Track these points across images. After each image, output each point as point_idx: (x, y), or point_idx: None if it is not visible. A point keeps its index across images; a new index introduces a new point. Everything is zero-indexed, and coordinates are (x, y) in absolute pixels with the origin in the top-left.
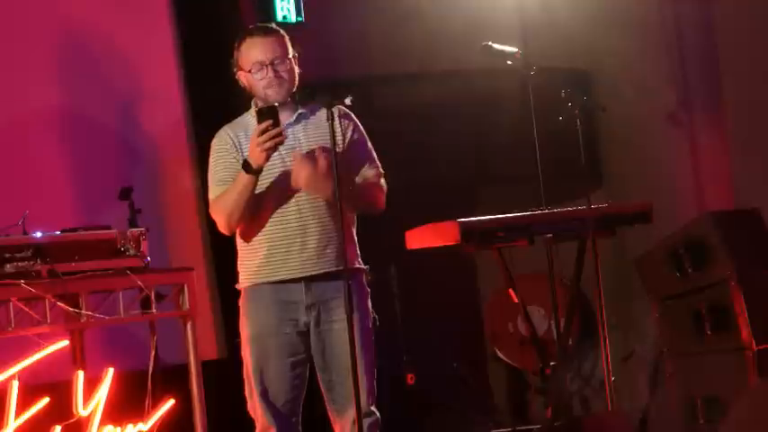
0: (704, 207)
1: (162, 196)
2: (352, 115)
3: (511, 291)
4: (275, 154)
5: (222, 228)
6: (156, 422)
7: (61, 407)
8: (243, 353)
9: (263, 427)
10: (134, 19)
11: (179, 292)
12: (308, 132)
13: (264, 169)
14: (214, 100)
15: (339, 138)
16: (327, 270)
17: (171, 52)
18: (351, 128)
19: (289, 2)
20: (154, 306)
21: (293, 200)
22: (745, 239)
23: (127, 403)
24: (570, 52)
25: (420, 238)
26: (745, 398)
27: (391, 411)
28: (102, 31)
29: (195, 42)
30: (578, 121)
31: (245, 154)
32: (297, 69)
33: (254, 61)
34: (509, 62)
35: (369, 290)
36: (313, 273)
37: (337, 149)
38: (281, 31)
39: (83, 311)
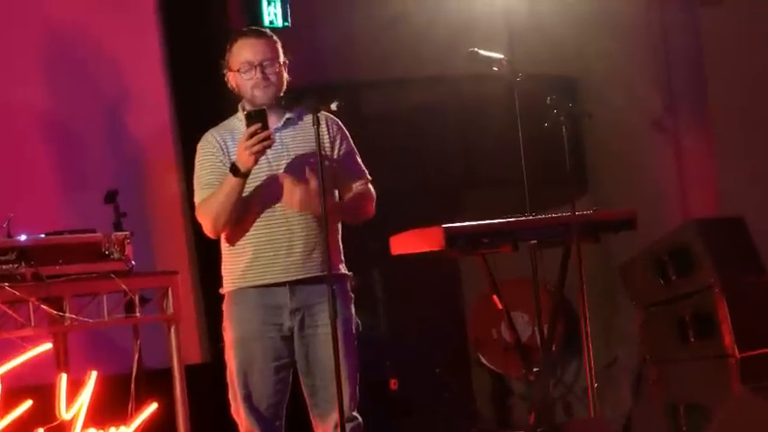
0: (689, 212)
1: (147, 200)
2: (340, 123)
3: (495, 297)
4: (262, 158)
5: (208, 231)
6: (138, 426)
7: (44, 410)
8: (227, 357)
9: (249, 428)
10: (121, 22)
11: (163, 295)
12: (296, 137)
13: (251, 173)
14: (201, 103)
15: (327, 144)
16: (313, 275)
17: (158, 56)
18: (339, 137)
19: (276, 6)
20: (138, 310)
21: (279, 204)
22: (730, 247)
23: (110, 407)
24: (557, 58)
25: (405, 244)
26: (728, 405)
27: (374, 416)
28: (90, 34)
29: (182, 46)
30: (564, 127)
31: (233, 157)
32: (286, 76)
33: (243, 61)
34: (495, 68)
35: (352, 295)
36: (298, 277)
37: (325, 152)
38: (274, 37)
39: (66, 315)
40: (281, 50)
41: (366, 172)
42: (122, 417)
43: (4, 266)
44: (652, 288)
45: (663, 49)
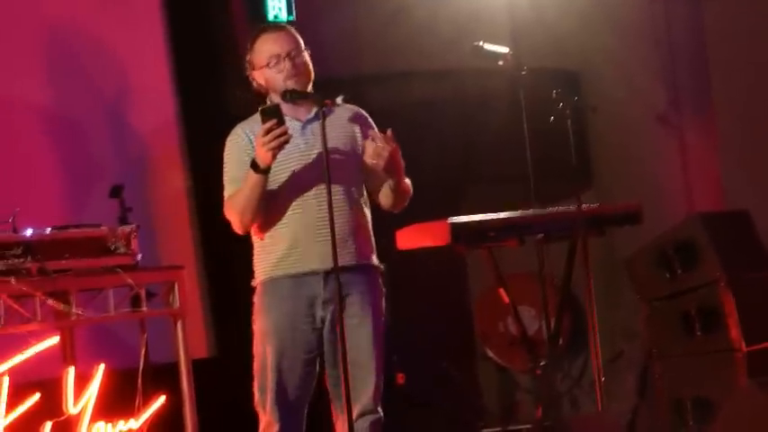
0: (693, 207)
1: (153, 194)
2: (367, 116)
3: (501, 290)
4: (294, 148)
5: (236, 227)
6: (146, 419)
7: (51, 404)
8: (255, 348)
9: (271, 421)
10: (125, 17)
11: (169, 290)
12: (327, 129)
13: (282, 163)
14: (205, 98)
15: (359, 137)
16: (348, 263)
17: (162, 51)
18: (369, 130)
19: (280, 0)
20: (144, 304)
21: (314, 192)
22: (735, 240)
23: (117, 401)
24: (560, 52)
25: (411, 238)
26: (734, 399)
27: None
28: (94, 30)
29: (186, 41)
30: (569, 121)
31: None
32: (310, 64)
33: (270, 55)
34: (500, 62)
35: (384, 289)
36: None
37: (358, 146)
38: (293, 29)
39: (73, 309)
40: (301, 40)
41: None
42: (130, 411)
43: (10, 261)
44: (657, 282)
45: (666, 43)
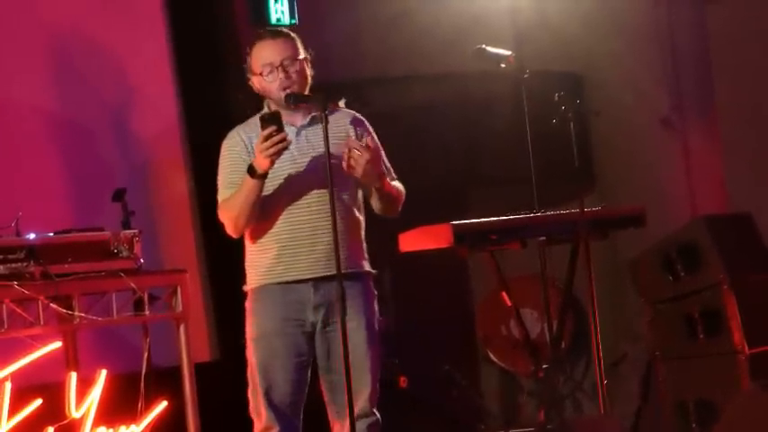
0: (697, 210)
1: (155, 198)
2: (366, 121)
3: (503, 293)
4: (286, 154)
5: (230, 230)
6: (148, 424)
7: (54, 408)
8: (248, 353)
9: (265, 427)
10: (128, 20)
11: (172, 294)
12: (322, 135)
13: (275, 170)
14: (208, 102)
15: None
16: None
17: (165, 54)
18: (365, 135)
19: (282, 4)
20: (147, 308)
21: (304, 200)
22: (738, 243)
23: (120, 405)
24: (563, 55)
25: (413, 241)
26: (737, 402)
27: (383, 414)
28: (96, 33)
29: (189, 44)
30: (572, 124)
31: None
32: (309, 71)
33: (264, 63)
34: (503, 65)
35: (376, 292)
36: (323, 274)
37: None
38: (292, 34)
39: (76, 313)
40: (300, 47)
41: (392, 170)
42: (132, 415)
43: (13, 265)
44: (661, 285)
45: (669, 47)
